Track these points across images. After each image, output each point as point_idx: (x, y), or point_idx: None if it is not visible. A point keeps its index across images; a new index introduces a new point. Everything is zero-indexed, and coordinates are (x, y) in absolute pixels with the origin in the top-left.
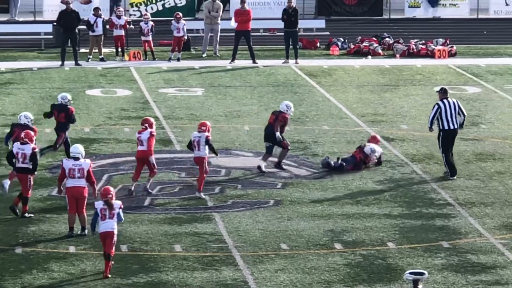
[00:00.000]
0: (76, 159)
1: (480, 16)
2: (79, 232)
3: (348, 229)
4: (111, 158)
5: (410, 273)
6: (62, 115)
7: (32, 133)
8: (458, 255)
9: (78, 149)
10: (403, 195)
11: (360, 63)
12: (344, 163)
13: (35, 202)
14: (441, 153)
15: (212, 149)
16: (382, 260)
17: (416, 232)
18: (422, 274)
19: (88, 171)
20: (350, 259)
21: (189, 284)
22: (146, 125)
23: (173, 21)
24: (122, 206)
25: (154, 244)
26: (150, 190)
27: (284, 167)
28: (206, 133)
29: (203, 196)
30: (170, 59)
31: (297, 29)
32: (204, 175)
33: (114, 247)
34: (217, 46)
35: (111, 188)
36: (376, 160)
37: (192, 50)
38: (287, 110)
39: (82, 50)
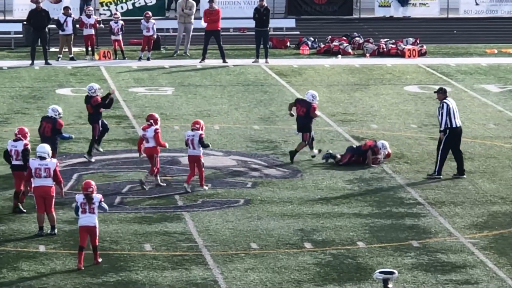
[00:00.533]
0: (42, 158)
1: (450, 16)
2: (49, 231)
3: (318, 228)
4: (81, 157)
5: (380, 272)
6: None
7: (27, 129)
8: (428, 254)
9: (44, 148)
10: (373, 195)
11: (330, 62)
12: (339, 155)
13: (5, 201)
14: (441, 152)
15: (203, 145)
16: (352, 260)
17: (386, 232)
18: (392, 273)
19: (55, 171)
20: (320, 259)
21: (159, 283)
22: (151, 121)
23: (142, 20)
24: (102, 199)
25: (124, 243)
26: (145, 186)
27: (254, 166)
28: (200, 132)
29: (207, 188)
30: (140, 59)
31: (268, 28)
32: (202, 170)
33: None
34: (188, 45)
35: (92, 182)
36: (380, 159)
37: (162, 49)
38: (313, 100)
39: (52, 49)
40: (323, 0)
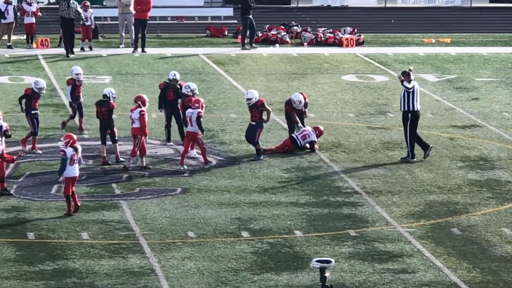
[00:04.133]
0: None
1: (388, 5)
2: None
3: (256, 217)
4: (19, 145)
5: (317, 261)
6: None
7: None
8: (365, 243)
9: None
10: (310, 184)
11: (268, 51)
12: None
13: None
14: (409, 135)
15: (199, 126)
16: (289, 248)
17: (323, 221)
18: (329, 262)
19: (1, 154)
20: (257, 247)
21: (96, 272)
22: (139, 102)
23: (81, 9)
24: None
25: (61, 231)
26: (147, 166)
27: (192, 155)
28: (198, 110)
29: (212, 163)
30: (82, 49)
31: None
32: (203, 146)
33: None
34: (133, 35)
35: (73, 134)
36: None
37: (100, 37)
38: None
39: None
40: None
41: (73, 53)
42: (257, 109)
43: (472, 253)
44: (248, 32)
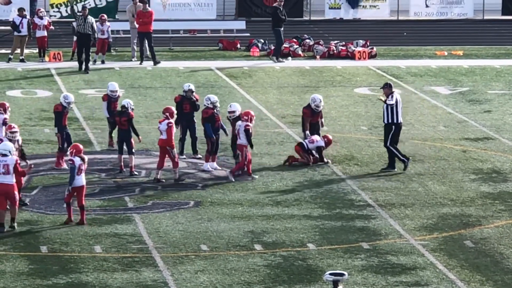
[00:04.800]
0: (4, 155)
1: (400, 18)
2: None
3: (268, 230)
4: (31, 159)
5: (330, 274)
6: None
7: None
8: (378, 256)
9: (6, 146)
10: (323, 196)
11: (280, 64)
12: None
13: None
14: (389, 146)
15: (248, 139)
16: (302, 261)
17: (336, 233)
18: (342, 275)
19: (15, 166)
20: (270, 260)
21: (109, 285)
22: (167, 114)
23: (97, 23)
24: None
25: (74, 245)
26: (180, 181)
27: (205, 168)
28: (246, 122)
29: (255, 177)
30: (95, 61)
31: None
32: (247, 160)
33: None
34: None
35: (78, 144)
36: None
37: (112, 51)
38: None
39: (3, 51)
40: (274, 2)
41: (87, 71)
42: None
43: (485, 266)
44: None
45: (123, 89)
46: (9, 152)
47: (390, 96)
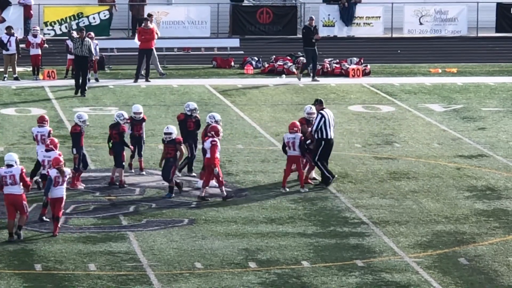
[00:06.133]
0: (9, 166)
1: (394, 35)
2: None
3: (263, 248)
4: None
5: None
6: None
7: (57, 140)
8: (372, 273)
9: (11, 156)
10: (317, 214)
11: (274, 82)
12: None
13: None
14: (316, 161)
15: (302, 150)
16: (296, 279)
17: (331, 251)
18: None
19: (21, 176)
20: (265, 278)
21: None
22: (212, 132)
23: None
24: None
25: (69, 263)
26: (228, 198)
27: (198, 186)
28: (300, 134)
29: (307, 190)
30: (89, 80)
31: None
32: (302, 171)
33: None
34: (159, 64)
35: (61, 157)
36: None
37: (106, 69)
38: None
39: None
40: (267, 20)
41: (84, 94)
42: (174, 145)
43: (479, 283)
44: (311, 64)
45: (117, 107)
46: (15, 162)
47: (319, 113)
